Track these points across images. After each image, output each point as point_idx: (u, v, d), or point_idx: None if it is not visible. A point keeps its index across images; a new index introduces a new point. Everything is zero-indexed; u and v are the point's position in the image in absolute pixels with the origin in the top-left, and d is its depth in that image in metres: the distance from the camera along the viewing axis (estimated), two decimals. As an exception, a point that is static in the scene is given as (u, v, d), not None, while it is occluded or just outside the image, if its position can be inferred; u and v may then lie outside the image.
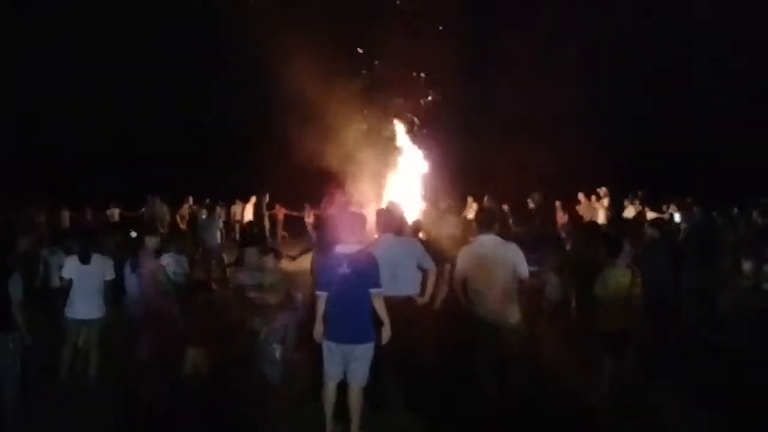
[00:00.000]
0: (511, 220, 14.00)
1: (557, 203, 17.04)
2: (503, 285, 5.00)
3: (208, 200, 17.24)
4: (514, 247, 5.20)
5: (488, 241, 5.16)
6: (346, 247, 4.80)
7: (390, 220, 5.91)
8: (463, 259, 5.19)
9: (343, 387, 4.87)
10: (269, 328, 5.17)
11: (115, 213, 17.59)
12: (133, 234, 6.57)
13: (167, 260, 6.52)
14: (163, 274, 6.12)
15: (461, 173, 18.07)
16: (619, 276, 5.51)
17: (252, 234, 8.93)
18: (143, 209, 17.78)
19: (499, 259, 5.06)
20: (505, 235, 6.33)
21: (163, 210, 16.57)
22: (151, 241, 6.13)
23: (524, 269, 5.09)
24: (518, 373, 5.10)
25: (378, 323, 4.78)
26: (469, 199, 16.04)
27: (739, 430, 5.09)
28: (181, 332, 5.74)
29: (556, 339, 6.75)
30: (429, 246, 6.19)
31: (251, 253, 5.24)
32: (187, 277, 6.74)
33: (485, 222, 5.31)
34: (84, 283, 6.15)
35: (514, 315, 5.04)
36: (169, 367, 5.54)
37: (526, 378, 5.20)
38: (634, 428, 5.15)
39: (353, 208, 9.73)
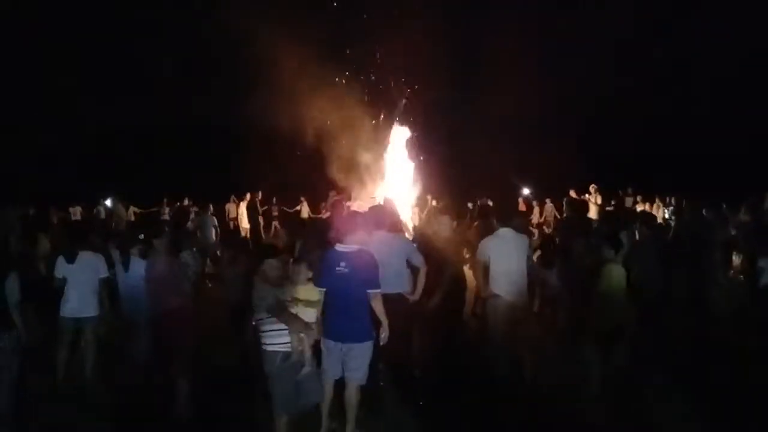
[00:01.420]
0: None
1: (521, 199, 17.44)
2: (519, 271, 5.85)
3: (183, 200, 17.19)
4: (526, 238, 6.10)
5: (507, 233, 5.96)
6: (345, 246, 4.81)
7: (381, 217, 5.92)
8: (485, 248, 5.94)
9: (339, 384, 4.90)
10: (312, 349, 4.61)
11: (77, 211, 17.38)
12: (141, 236, 6.43)
13: (186, 258, 6.41)
14: (184, 271, 6.01)
15: (452, 171, 18.15)
16: (618, 272, 5.67)
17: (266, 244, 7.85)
18: (96, 209, 17.58)
19: (517, 247, 5.91)
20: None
21: (122, 209, 16.42)
22: (160, 243, 6.06)
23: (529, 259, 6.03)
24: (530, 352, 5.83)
25: (377, 323, 4.81)
26: (428, 197, 16.11)
27: (731, 427, 5.14)
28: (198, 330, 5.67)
29: (549, 334, 6.83)
30: (425, 246, 6.21)
31: (271, 265, 4.50)
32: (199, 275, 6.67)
33: (503, 217, 6.15)
34: (76, 281, 6.14)
35: (525, 298, 5.95)
36: (187, 366, 5.46)
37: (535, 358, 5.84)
38: (624, 424, 5.21)
39: (349, 206, 9.75)
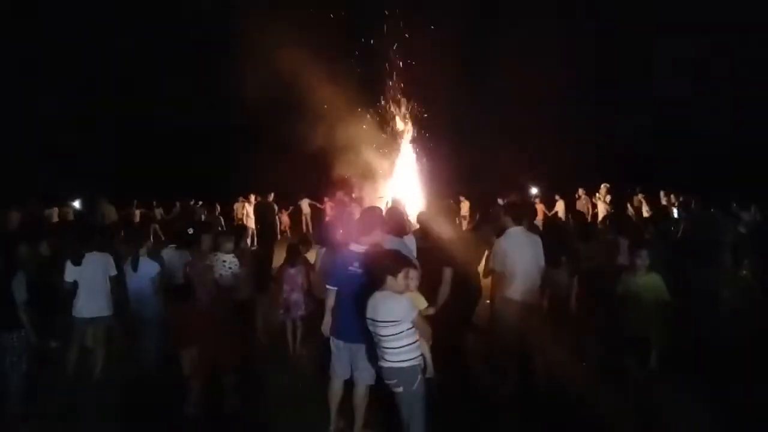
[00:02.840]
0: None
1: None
2: (533, 271, 5.78)
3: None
4: (537, 238, 5.99)
5: (518, 231, 5.91)
6: (359, 246, 4.79)
7: (375, 219, 5.80)
8: (501, 247, 5.84)
9: (348, 383, 4.89)
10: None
11: (54, 213, 16.89)
12: (190, 231, 6.44)
13: (214, 261, 6.43)
14: (210, 273, 6.02)
15: (457, 170, 18.12)
16: (638, 282, 5.53)
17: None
18: (63, 210, 17.18)
19: (529, 247, 5.84)
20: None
21: (110, 210, 16.31)
22: (207, 240, 6.06)
23: (542, 259, 5.88)
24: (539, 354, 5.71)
25: None
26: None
27: (742, 428, 5.10)
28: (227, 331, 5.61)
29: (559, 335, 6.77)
30: (433, 248, 6.13)
31: (406, 275, 4.16)
32: (236, 277, 6.53)
33: (515, 216, 6.01)
34: (85, 282, 6.19)
35: (536, 299, 5.84)
36: (214, 366, 5.46)
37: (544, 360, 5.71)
38: (635, 426, 5.16)
39: (355, 205, 9.69)
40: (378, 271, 4.22)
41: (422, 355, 4.22)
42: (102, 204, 15.93)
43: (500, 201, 18.40)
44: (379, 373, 4.27)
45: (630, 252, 5.79)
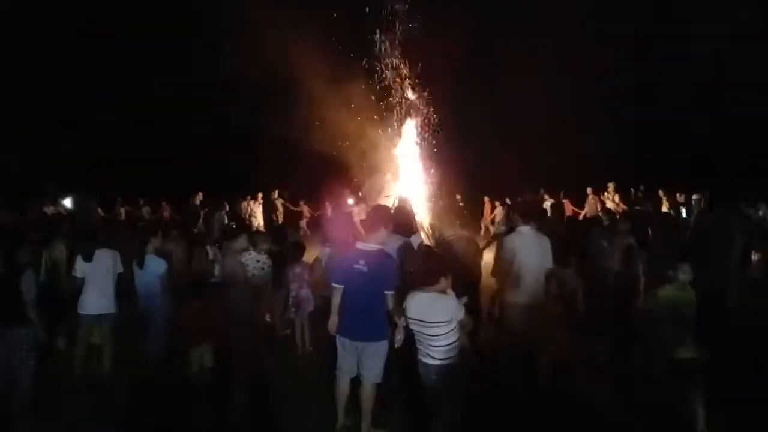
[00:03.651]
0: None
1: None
2: (540, 271, 5.77)
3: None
4: (546, 238, 5.96)
5: (528, 231, 5.90)
6: (367, 245, 4.78)
7: (385, 217, 5.77)
8: (511, 245, 5.82)
9: (355, 381, 4.89)
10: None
11: (49, 211, 17.04)
12: (233, 224, 6.52)
13: (247, 258, 6.46)
14: (242, 271, 6.03)
15: (466, 170, 18.07)
16: (670, 295, 5.14)
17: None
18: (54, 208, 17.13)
19: (537, 246, 5.83)
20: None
21: (95, 209, 16.26)
22: (243, 238, 6.11)
23: (550, 259, 5.86)
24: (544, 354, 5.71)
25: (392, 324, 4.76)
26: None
27: (752, 425, 5.06)
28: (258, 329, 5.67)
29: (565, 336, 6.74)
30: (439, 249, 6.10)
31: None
32: (266, 276, 6.58)
33: (525, 215, 6.04)
34: (94, 279, 6.22)
35: (542, 299, 5.77)
36: (247, 361, 5.51)
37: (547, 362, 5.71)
38: (641, 425, 5.12)
39: (361, 205, 9.67)
40: (426, 271, 4.28)
41: (463, 348, 4.32)
42: (92, 203, 15.94)
43: (486, 199, 18.87)
44: (423, 371, 4.33)
45: (671, 266, 5.22)
